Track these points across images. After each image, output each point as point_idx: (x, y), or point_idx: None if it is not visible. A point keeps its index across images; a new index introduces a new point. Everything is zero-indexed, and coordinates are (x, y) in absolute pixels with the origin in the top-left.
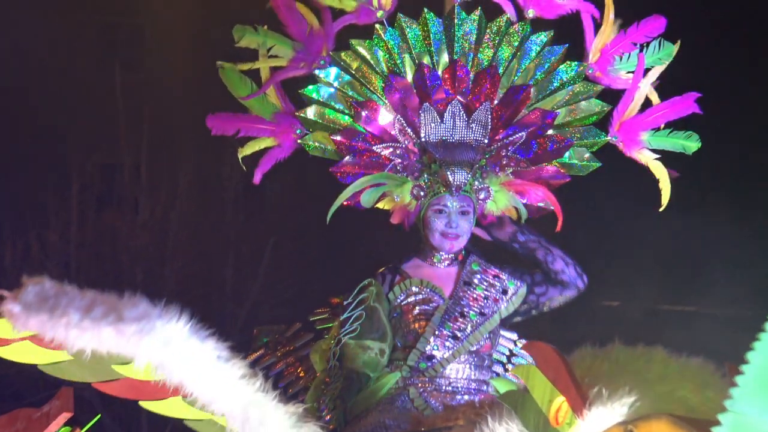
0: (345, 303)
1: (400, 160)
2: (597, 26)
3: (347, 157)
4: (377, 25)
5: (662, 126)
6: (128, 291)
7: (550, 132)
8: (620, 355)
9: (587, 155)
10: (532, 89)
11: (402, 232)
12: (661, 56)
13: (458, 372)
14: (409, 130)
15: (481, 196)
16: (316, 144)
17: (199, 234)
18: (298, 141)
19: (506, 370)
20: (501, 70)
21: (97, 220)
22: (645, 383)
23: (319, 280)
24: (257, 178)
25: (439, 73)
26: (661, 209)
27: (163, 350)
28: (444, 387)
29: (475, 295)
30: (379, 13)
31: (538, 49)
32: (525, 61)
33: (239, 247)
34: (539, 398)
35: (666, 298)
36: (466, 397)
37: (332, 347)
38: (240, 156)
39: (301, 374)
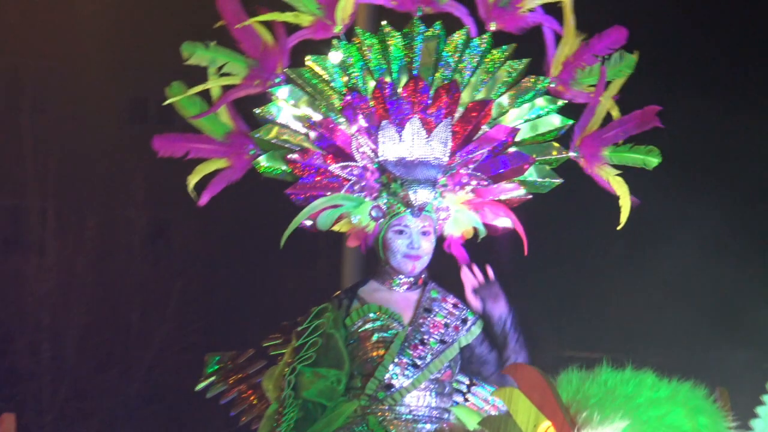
0: (299, 329)
1: (357, 180)
2: (558, 40)
3: (302, 179)
4: (334, 41)
5: (621, 141)
6: (31, 335)
7: (511, 149)
8: (609, 379)
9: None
10: (492, 105)
11: (314, 276)
12: (621, 68)
13: (419, 399)
14: (366, 149)
15: (442, 216)
16: (270, 165)
17: (106, 277)
18: (252, 162)
19: (466, 400)
20: (461, 86)
21: (2, 263)
22: (636, 408)
23: (226, 323)
24: (203, 201)
25: (399, 89)
26: (618, 227)
27: None
28: (405, 415)
29: (435, 322)
30: (336, 28)
31: (500, 63)
32: (485, 75)
33: (146, 290)
34: (523, 423)
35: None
36: (428, 426)
37: (287, 375)
38: (191, 184)
39: (254, 402)
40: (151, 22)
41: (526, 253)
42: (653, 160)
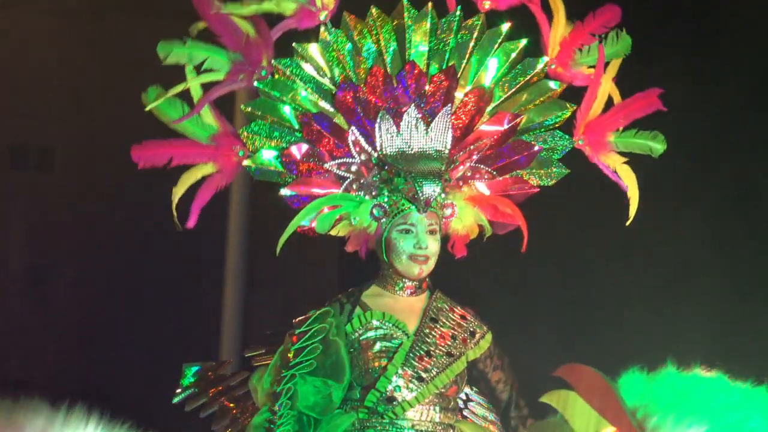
0: (297, 332)
1: (355, 178)
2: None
3: (296, 178)
4: (321, 28)
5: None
6: None
7: (515, 138)
8: (677, 381)
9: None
10: (492, 90)
11: (198, 318)
12: (619, 48)
13: (422, 414)
14: (363, 143)
15: (447, 213)
16: (262, 166)
17: None
18: (242, 164)
19: (464, 416)
20: (458, 70)
21: None
22: (712, 412)
23: (106, 372)
24: (192, 220)
25: (393, 76)
26: (627, 223)
27: None
28: (407, 430)
29: (441, 333)
30: (322, 15)
31: (496, 44)
32: (483, 58)
33: (25, 337)
34: (581, 429)
35: None
36: None
37: (283, 383)
38: (175, 197)
39: (236, 415)
40: (27, 67)
41: (524, 249)
42: (658, 147)
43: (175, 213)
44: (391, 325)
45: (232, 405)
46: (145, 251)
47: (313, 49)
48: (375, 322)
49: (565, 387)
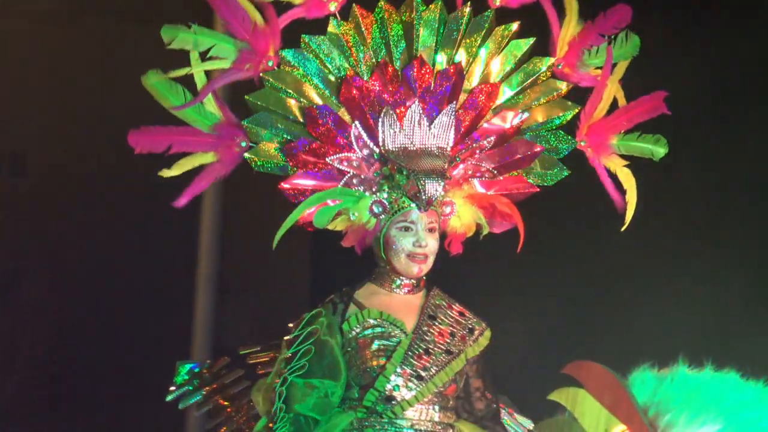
0: (290, 336)
1: (356, 173)
2: (561, 18)
3: (298, 172)
4: (331, 19)
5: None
6: None
7: (517, 138)
8: (688, 379)
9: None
10: (498, 89)
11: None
12: (627, 50)
13: (421, 414)
14: (366, 138)
15: (446, 211)
16: (264, 158)
17: None
18: (244, 155)
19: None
20: (465, 68)
21: None
22: (726, 410)
23: (77, 377)
24: (183, 201)
25: (400, 72)
26: (622, 229)
27: None
28: (405, 429)
29: (440, 331)
30: (332, 5)
31: (505, 42)
32: (489, 56)
33: None
34: (591, 427)
35: None
36: None
37: (277, 387)
38: (165, 175)
39: (231, 414)
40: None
41: (519, 250)
42: (660, 150)
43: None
44: (388, 323)
45: (226, 403)
46: (117, 258)
47: (321, 41)
48: (372, 321)
49: (573, 384)
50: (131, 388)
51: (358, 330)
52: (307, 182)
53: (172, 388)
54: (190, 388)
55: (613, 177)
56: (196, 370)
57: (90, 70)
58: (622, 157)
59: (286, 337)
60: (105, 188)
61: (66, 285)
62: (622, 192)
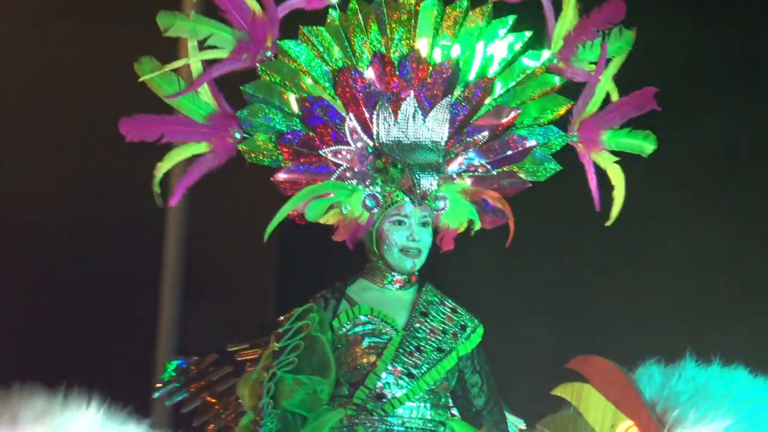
0: (280, 330)
1: (349, 166)
2: (557, 12)
3: (291, 164)
4: (330, 10)
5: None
6: None
7: (510, 132)
8: (697, 374)
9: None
10: (493, 83)
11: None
12: (621, 45)
13: (413, 411)
14: (360, 130)
15: (440, 206)
16: (258, 149)
17: None
18: (238, 146)
19: (452, 415)
20: (461, 62)
21: None
22: (736, 406)
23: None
24: (176, 198)
25: (396, 64)
26: (608, 223)
27: None
28: (397, 427)
29: (431, 328)
30: None
31: (501, 35)
32: (487, 49)
33: None
34: (597, 423)
35: None
36: None
37: (265, 382)
38: (160, 173)
39: (219, 411)
40: None
41: (507, 245)
42: (649, 146)
43: (158, 190)
44: (379, 320)
45: (214, 400)
46: (80, 262)
47: (320, 32)
48: (363, 317)
49: (578, 379)
50: (95, 395)
51: (348, 327)
52: (300, 175)
53: (159, 384)
54: (177, 384)
55: (601, 173)
56: (184, 366)
57: (66, 72)
58: (612, 153)
59: (275, 331)
60: (72, 192)
61: (25, 290)
62: (610, 188)
